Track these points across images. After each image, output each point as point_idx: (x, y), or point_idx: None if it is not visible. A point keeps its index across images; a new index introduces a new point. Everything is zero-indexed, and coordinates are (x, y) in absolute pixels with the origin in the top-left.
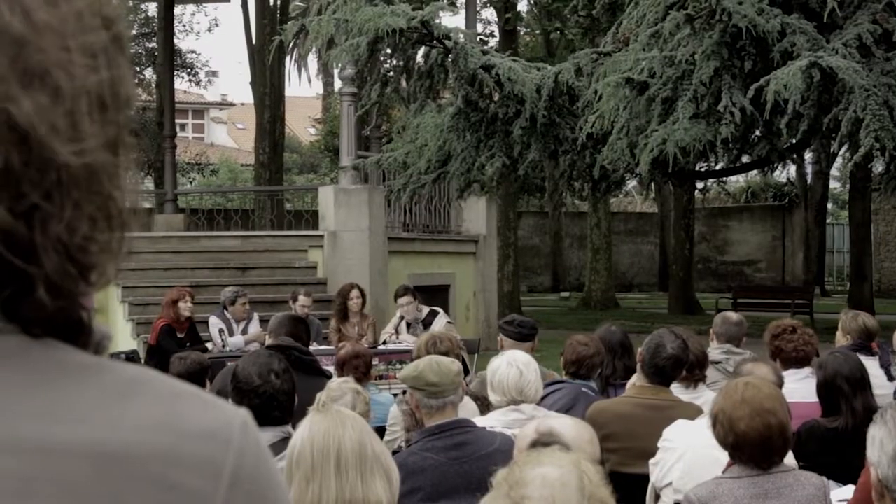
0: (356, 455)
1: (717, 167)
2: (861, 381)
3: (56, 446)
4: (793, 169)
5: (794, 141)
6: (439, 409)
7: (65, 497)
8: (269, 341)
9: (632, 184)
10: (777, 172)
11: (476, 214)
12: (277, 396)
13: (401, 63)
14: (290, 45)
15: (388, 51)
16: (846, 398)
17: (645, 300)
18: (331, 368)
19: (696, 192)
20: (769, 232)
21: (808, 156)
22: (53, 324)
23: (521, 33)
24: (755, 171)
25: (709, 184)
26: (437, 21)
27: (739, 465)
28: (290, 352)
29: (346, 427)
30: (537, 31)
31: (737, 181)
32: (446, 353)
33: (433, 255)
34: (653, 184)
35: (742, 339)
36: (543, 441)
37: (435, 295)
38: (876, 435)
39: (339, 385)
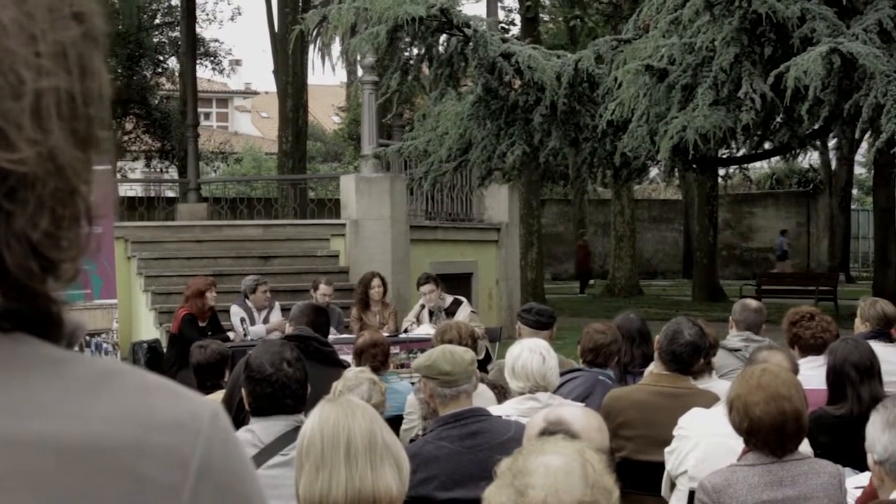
0: (366, 444)
1: (739, 154)
2: (870, 370)
3: (22, 440)
4: (815, 155)
5: (815, 127)
6: (453, 398)
7: (32, 490)
8: (288, 330)
9: (654, 172)
10: (799, 159)
11: (498, 202)
12: (289, 385)
13: (421, 51)
14: (314, 34)
15: (409, 39)
16: (853, 385)
17: (669, 287)
18: (349, 357)
19: (720, 179)
20: (794, 218)
21: (832, 142)
22: (22, 318)
23: (544, 21)
24: (778, 158)
25: (731, 171)
26: (458, 9)
27: (754, 452)
28: (309, 342)
29: (355, 416)
30: (560, 19)
31: (761, 168)
32: (450, 342)
33: (455, 244)
34: (676, 171)
35: (762, 326)
36: (552, 430)
37: (457, 283)
38: (872, 421)
39: (356, 375)
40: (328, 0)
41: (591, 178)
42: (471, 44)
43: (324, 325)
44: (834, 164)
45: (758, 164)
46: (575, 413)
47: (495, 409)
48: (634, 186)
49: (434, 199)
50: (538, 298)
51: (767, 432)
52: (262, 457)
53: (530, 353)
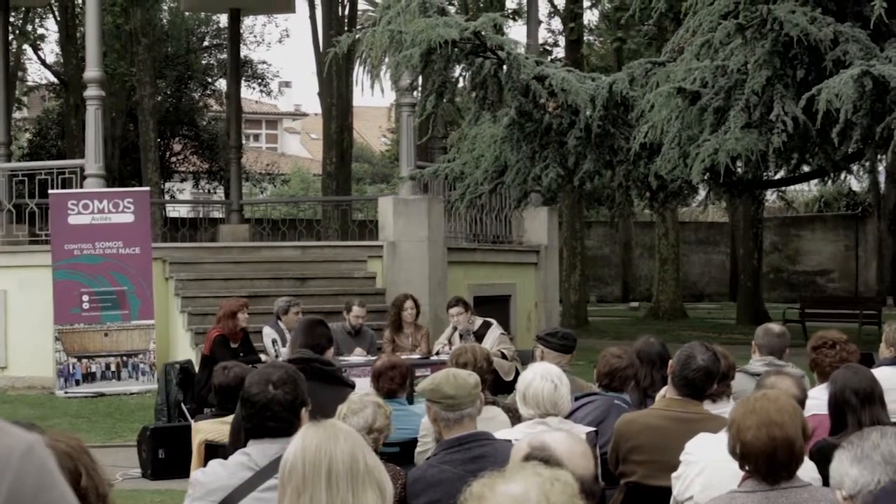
0: (347, 468)
1: (776, 177)
2: (870, 395)
3: None
4: (854, 178)
5: (850, 151)
6: (457, 422)
7: None
8: (288, 354)
9: (700, 195)
10: (840, 182)
11: (538, 225)
12: (271, 407)
13: (454, 75)
14: (364, 56)
15: (442, 62)
16: (854, 411)
17: (714, 310)
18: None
19: (765, 202)
20: (842, 241)
21: (881, 165)
22: None
23: (591, 42)
24: (817, 181)
25: (767, 194)
26: (502, 32)
27: (753, 479)
28: (311, 364)
29: (338, 440)
30: (607, 41)
31: (809, 191)
32: (465, 366)
33: (494, 266)
34: (717, 194)
35: (785, 350)
36: (536, 455)
37: (496, 305)
38: (837, 458)
39: (360, 398)
40: (374, 23)
41: (627, 200)
42: (504, 67)
43: (323, 337)
44: (883, 187)
45: (805, 186)
46: (559, 439)
47: (505, 434)
48: (680, 209)
49: (476, 220)
50: (581, 321)
51: (758, 458)
52: (257, 480)
53: (542, 380)
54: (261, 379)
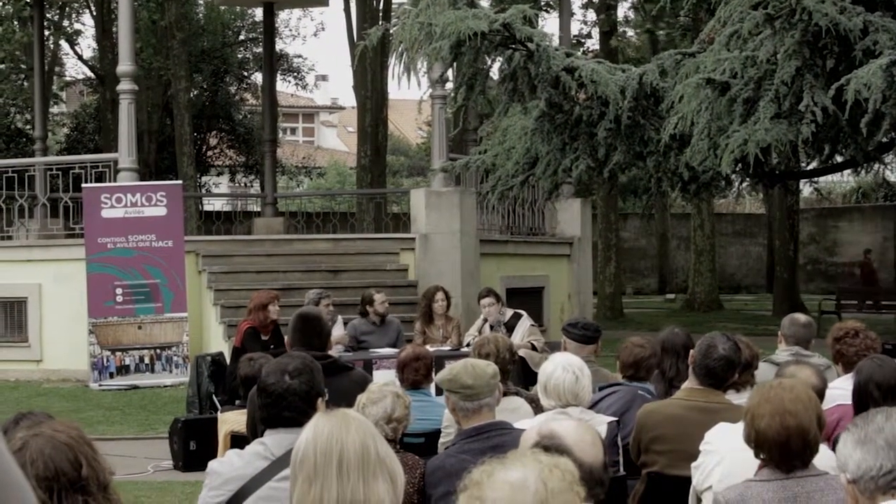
0: (358, 457)
1: (809, 168)
2: (893, 389)
3: None
4: (887, 169)
5: (883, 140)
6: (475, 412)
7: None
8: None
9: (735, 186)
10: (875, 172)
11: (571, 216)
12: (286, 397)
13: (484, 67)
14: (399, 49)
15: (472, 55)
16: (876, 404)
17: (751, 302)
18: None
19: (800, 192)
20: (880, 233)
21: None
22: None
23: (627, 34)
24: (851, 172)
25: (800, 185)
26: (532, 24)
27: (769, 468)
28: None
29: (349, 429)
30: (642, 33)
31: (846, 182)
32: (487, 357)
33: (526, 258)
34: (750, 185)
35: (811, 341)
36: (545, 443)
37: (529, 297)
38: (842, 440)
39: (380, 388)
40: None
41: (660, 192)
42: (534, 58)
43: (315, 334)
44: None
45: (842, 177)
46: (568, 427)
47: (527, 424)
48: (718, 200)
49: (507, 213)
50: (616, 313)
51: (771, 446)
52: (273, 469)
53: (563, 371)
54: (277, 369)
